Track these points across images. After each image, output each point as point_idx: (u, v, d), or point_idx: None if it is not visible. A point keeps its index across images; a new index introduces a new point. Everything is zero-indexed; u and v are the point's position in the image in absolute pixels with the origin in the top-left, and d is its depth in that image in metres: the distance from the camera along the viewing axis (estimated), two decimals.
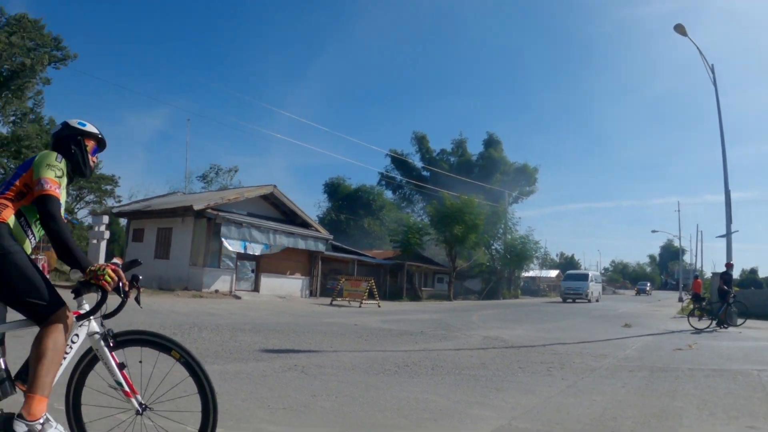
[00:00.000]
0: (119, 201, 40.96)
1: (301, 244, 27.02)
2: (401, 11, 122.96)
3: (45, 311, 2.53)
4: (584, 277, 38.87)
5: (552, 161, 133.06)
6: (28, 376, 2.51)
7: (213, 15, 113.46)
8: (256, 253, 24.47)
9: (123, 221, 31.19)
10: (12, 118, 39.90)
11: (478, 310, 22.21)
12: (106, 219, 22.28)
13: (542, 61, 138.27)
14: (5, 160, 37.21)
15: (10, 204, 2.66)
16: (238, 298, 21.90)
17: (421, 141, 66.20)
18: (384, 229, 55.05)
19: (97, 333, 2.70)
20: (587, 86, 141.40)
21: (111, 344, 2.72)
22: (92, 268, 2.55)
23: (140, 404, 2.74)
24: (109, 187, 41.55)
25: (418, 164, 65.11)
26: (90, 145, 3.06)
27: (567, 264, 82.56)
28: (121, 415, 2.80)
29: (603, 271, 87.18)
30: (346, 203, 62.37)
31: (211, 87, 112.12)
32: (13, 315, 2.64)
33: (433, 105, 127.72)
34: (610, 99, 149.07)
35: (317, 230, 28.78)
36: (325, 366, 6.56)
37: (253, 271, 25.20)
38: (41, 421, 2.40)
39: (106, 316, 2.67)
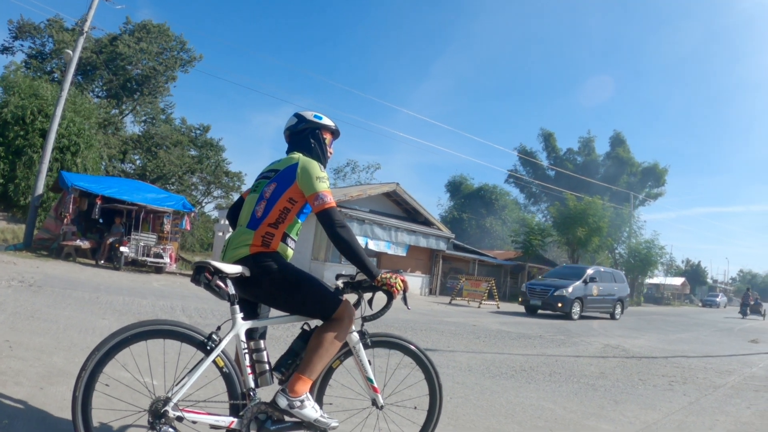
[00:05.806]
0: None
1: (423, 243, 27.22)
2: (522, 7, 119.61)
3: (328, 311, 2.74)
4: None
5: (681, 162, 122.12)
6: (285, 367, 2.77)
7: (335, 16, 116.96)
8: (378, 250, 24.96)
9: None
10: (144, 118, 43.26)
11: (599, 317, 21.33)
12: None
13: (670, 56, 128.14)
14: (136, 157, 40.85)
15: (275, 231, 2.77)
16: None
17: (548, 139, 64.17)
18: (506, 229, 54.23)
19: (355, 332, 2.90)
20: (719, 80, 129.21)
21: (367, 343, 2.96)
22: (384, 276, 2.78)
23: (378, 402, 2.98)
24: (235, 183, 44.07)
25: (545, 163, 63.45)
26: (328, 138, 3.08)
27: (693, 272, 76.90)
28: (361, 405, 3.17)
29: (730, 281, 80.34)
30: (468, 202, 61.96)
31: (334, 86, 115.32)
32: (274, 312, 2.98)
33: (558, 103, 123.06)
34: (742, 94, 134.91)
35: (439, 229, 28.80)
36: (440, 366, 6.58)
37: None
38: (302, 398, 2.64)
39: (366, 318, 2.87)
